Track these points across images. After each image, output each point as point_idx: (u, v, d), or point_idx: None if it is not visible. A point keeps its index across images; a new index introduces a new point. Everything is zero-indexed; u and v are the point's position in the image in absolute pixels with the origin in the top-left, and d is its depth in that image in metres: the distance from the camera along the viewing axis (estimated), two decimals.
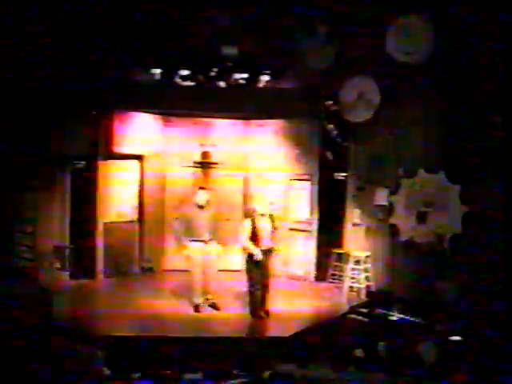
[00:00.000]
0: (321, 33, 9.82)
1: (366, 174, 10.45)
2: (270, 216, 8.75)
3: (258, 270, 8.59)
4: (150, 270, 11.52)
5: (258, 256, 8.47)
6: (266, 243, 8.61)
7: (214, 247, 9.00)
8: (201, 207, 8.98)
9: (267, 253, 8.66)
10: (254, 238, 8.56)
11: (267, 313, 8.81)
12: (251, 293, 8.69)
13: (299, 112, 10.89)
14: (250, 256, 8.57)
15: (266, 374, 5.44)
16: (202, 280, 8.92)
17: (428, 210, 9.55)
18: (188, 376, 5.52)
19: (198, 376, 5.52)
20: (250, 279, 8.66)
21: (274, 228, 8.74)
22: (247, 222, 8.65)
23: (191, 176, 11.78)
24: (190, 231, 8.91)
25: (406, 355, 6.22)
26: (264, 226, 8.65)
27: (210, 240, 8.95)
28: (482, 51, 8.70)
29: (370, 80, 9.76)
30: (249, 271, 8.67)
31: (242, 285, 9.17)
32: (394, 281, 9.87)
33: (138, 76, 10.31)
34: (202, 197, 9.03)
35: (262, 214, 8.67)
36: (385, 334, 7.33)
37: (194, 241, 8.89)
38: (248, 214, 9.23)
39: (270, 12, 9.57)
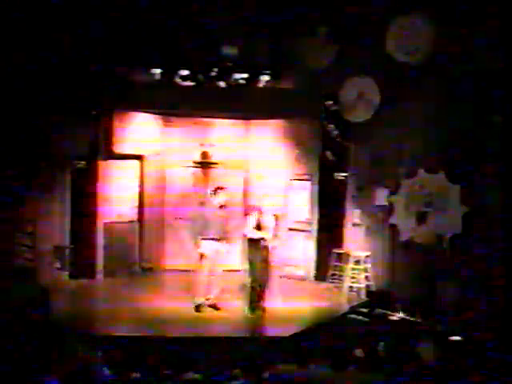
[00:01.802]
0: (321, 33, 9.83)
1: (366, 174, 10.44)
2: (275, 216, 9.02)
3: (259, 265, 8.75)
4: (150, 269, 11.51)
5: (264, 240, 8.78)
6: (267, 240, 8.82)
7: (224, 246, 9.04)
8: (221, 207, 9.04)
9: (267, 249, 8.81)
10: (258, 231, 8.86)
11: (263, 310, 8.89)
12: (253, 289, 8.80)
13: (299, 112, 10.89)
14: (253, 248, 8.77)
15: (266, 374, 5.43)
16: (208, 279, 8.93)
17: (428, 210, 9.55)
18: (188, 376, 5.51)
19: (198, 376, 5.51)
20: (252, 275, 8.81)
21: (276, 225, 8.99)
22: (253, 216, 8.95)
23: (191, 176, 11.78)
24: (204, 230, 8.92)
25: (405, 355, 6.21)
26: (267, 222, 8.88)
27: (221, 239, 8.99)
28: (481, 51, 8.69)
29: (370, 80, 9.76)
30: (251, 266, 8.82)
31: (241, 285, 9.19)
32: (394, 281, 9.87)
33: (138, 76, 10.31)
34: (223, 197, 9.08)
35: (267, 212, 8.99)
36: (385, 334, 7.32)
37: (206, 239, 8.90)
38: (250, 210, 9.35)
39: (271, 13, 9.60)
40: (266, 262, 8.86)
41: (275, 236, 8.97)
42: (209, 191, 9.45)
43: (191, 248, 9.06)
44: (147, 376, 5.56)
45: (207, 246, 8.88)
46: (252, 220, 8.91)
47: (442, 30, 8.77)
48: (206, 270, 8.90)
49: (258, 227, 8.85)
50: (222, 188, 9.25)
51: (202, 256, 8.90)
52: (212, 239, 8.88)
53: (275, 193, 11.50)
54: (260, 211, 9.01)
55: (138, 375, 5.58)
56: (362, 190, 10.53)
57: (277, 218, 9.03)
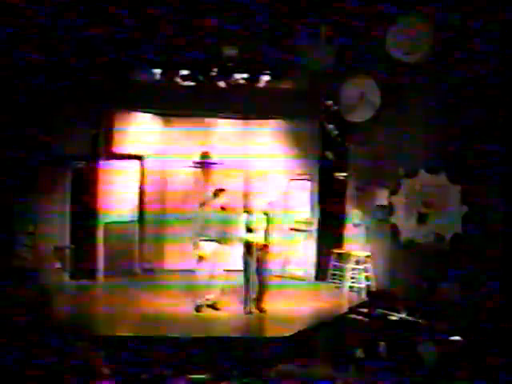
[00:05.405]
0: (321, 33, 9.82)
1: (366, 174, 10.45)
2: (266, 215, 8.98)
3: (254, 266, 8.78)
4: (151, 270, 11.52)
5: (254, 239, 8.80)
6: (259, 239, 8.83)
7: (223, 247, 9.05)
8: (222, 209, 9.05)
9: (261, 249, 8.84)
10: (249, 232, 8.88)
11: (263, 310, 8.93)
12: (246, 289, 8.87)
13: (299, 112, 10.89)
14: (247, 249, 8.81)
15: (267, 374, 5.45)
16: (208, 280, 8.93)
17: (428, 210, 9.55)
18: (189, 376, 5.53)
19: (199, 376, 5.53)
20: (245, 275, 8.87)
21: (268, 227, 8.95)
22: (244, 216, 8.96)
23: (191, 176, 11.78)
24: (203, 231, 8.92)
25: (405, 355, 6.22)
26: (259, 222, 8.87)
27: (221, 240, 9.00)
28: (482, 51, 8.70)
29: (370, 80, 9.76)
30: (245, 267, 8.87)
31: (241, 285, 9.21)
32: (394, 281, 9.87)
33: (138, 76, 10.31)
34: (224, 199, 9.09)
35: (259, 212, 8.98)
36: (385, 334, 7.33)
37: (206, 240, 8.91)
38: (246, 210, 9.39)
39: (272, 13, 9.59)
40: (261, 262, 8.87)
41: (266, 236, 8.93)
42: (209, 192, 9.45)
43: (190, 249, 9.07)
44: (148, 376, 5.57)
45: (206, 248, 8.88)
46: (242, 221, 8.91)
47: (442, 30, 8.78)
48: (205, 271, 8.90)
49: (249, 228, 8.85)
50: (223, 190, 9.25)
51: (200, 257, 8.91)
52: (211, 240, 8.89)
53: (275, 193, 11.50)
54: (249, 211, 9.05)
55: (139, 375, 5.59)
56: (362, 190, 10.53)
57: (268, 218, 8.97)
